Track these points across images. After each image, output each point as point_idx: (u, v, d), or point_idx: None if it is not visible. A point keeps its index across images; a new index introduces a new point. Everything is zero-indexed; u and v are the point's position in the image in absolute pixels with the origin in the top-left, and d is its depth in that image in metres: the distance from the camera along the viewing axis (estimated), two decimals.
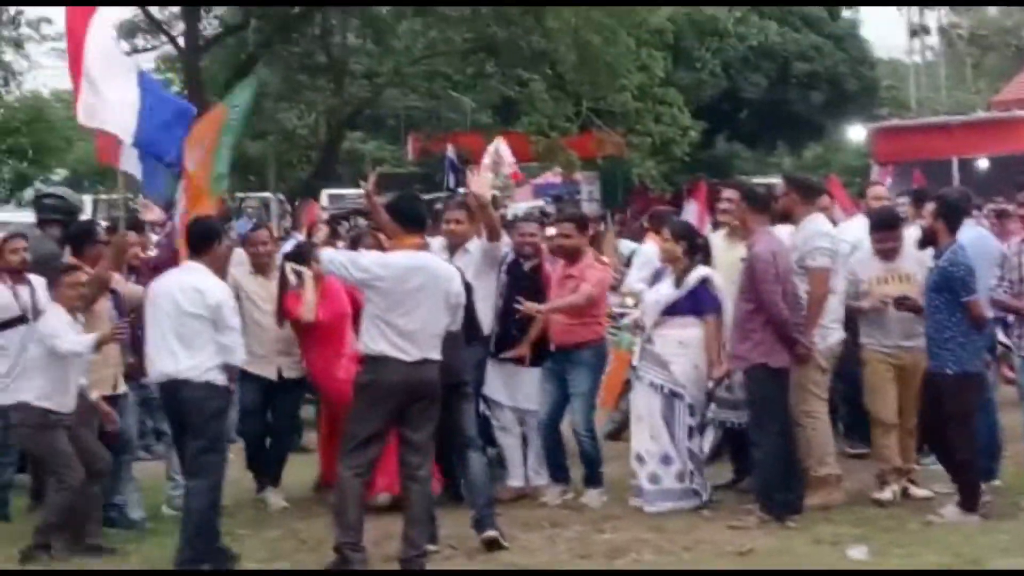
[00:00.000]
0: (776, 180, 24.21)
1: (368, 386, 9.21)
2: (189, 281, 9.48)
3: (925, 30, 53.38)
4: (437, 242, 11.07)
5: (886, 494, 10.72)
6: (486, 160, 18.79)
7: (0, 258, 10.85)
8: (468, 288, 10.01)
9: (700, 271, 10.92)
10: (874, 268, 10.88)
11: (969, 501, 10.14)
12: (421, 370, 9.16)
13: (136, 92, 10.44)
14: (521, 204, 27.42)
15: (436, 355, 9.24)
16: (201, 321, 9.32)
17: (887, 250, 10.83)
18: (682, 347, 10.85)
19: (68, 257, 10.78)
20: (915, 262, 10.72)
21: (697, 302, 10.87)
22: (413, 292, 9.16)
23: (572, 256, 11.41)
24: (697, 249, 11.07)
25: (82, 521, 9.88)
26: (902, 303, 10.61)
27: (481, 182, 11.31)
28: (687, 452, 10.83)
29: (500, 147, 21.57)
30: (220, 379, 9.39)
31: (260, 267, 11.53)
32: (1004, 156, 28.89)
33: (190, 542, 9.31)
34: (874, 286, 10.82)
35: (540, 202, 30.29)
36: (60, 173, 44.85)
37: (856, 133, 40.65)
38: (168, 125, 10.60)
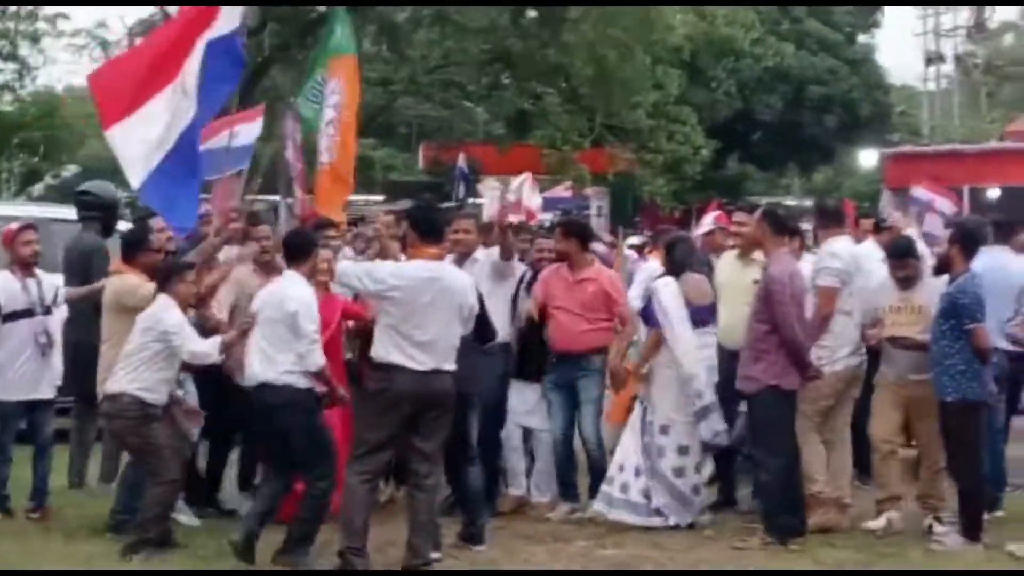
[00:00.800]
0: (787, 201, 24.20)
1: (379, 394, 9.23)
2: (278, 288, 9.57)
3: (941, 58, 53.45)
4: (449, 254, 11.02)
5: (880, 522, 10.62)
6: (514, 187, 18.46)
7: (12, 250, 10.86)
8: (480, 296, 9.95)
9: (653, 284, 10.98)
10: (891, 296, 10.81)
11: (972, 530, 10.12)
12: (434, 380, 9.17)
13: (159, 133, 10.06)
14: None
15: (450, 365, 9.25)
16: (279, 326, 9.34)
17: (902, 278, 10.77)
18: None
19: (117, 263, 10.70)
20: (933, 292, 10.56)
21: (649, 316, 10.95)
22: (428, 303, 9.17)
23: (566, 260, 11.34)
24: (673, 262, 11.08)
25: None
26: (896, 341, 10.58)
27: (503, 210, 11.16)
28: (649, 470, 10.81)
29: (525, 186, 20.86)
30: (301, 382, 9.36)
31: (263, 265, 11.09)
32: (1016, 187, 28.83)
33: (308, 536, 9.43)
34: (887, 315, 10.76)
35: (549, 215, 30.15)
36: (71, 169, 44.80)
37: (867, 158, 40.60)
38: (177, 181, 10.18)
